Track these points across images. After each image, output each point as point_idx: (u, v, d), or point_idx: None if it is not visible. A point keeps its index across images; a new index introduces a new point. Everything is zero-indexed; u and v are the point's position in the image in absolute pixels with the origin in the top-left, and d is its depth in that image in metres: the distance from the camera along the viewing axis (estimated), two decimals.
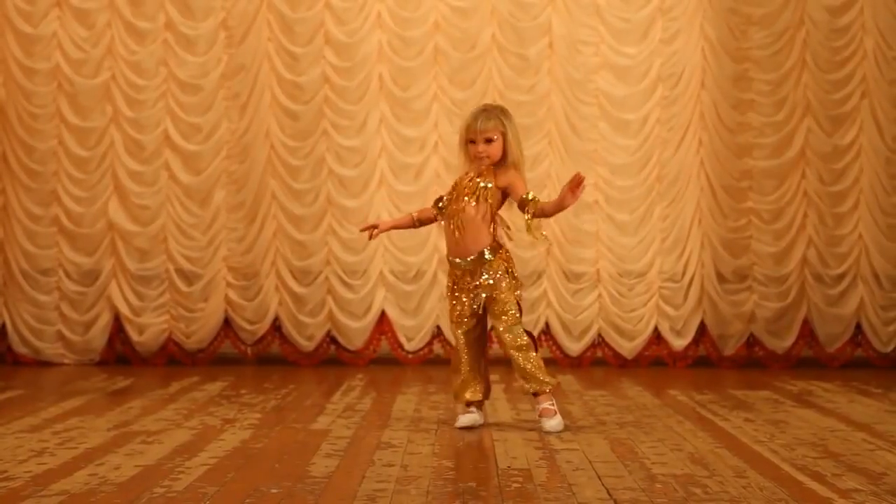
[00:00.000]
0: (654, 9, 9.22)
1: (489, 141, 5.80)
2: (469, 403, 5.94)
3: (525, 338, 5.82)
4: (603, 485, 4.41)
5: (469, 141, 5.83)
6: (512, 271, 5.85)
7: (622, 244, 9.23)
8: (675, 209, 9.24)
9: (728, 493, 4.27)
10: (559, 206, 5.71)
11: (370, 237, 6.05)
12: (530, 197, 5.74)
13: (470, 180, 5.84)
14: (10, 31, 9.16)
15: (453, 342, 6.00)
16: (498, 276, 5.82)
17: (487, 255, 5.81)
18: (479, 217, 5.81)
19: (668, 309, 9.21)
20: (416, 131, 9.22)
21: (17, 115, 9.16)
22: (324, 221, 9.22)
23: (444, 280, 9.16)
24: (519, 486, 4.40)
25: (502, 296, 5.81)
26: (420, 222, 6.04)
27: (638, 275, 9.24)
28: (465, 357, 5.92)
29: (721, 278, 9.25)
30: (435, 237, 9.16)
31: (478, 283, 5.83)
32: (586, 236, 9.22)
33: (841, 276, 9.25)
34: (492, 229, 5.84)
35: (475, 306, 5.84)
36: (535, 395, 5.83)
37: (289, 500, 4.12)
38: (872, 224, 9.22)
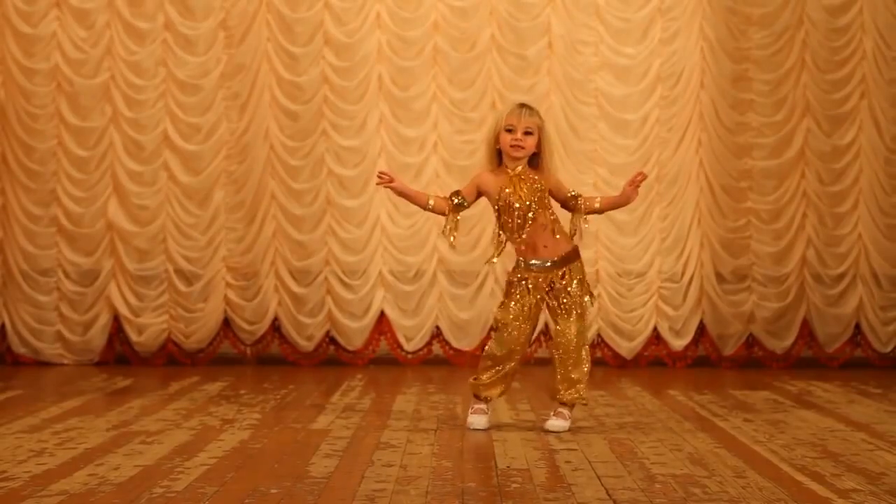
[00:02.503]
0: (653, 9, 9.22)
1: (528, 133, 5.77)
2: (488, 400, 5.91)
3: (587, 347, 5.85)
4: (602, 485, 4.41)
5: (507, 129, 5.75)
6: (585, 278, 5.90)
7: (621, 244, 9.23)
8: (675, 209, 9.24)
9: (727, 493, 4.27)
10: (620, 203, 5.84)
11: (379, 182, 5.86)
12: (576, 193, 5.81)
13: (530, 185, 5.76)
14: (9, 31, 9.16)
15: (504, 340, 5.80)
16: (578, 279, 5.81)
17: (575, 257, 5.83)
18: (549, 220, 5.80)
19: (668, 309, 9.21)
20: (416, 131, 9.22)
21: (17, 115, 9.16)
22: (323, 221, 9.22)
23: (443, 280, 9.20)
24: (518, 486, 4.40)
25: (579, 299, 5.80)
26: (432, 209, 5.88)
27: (637, 275, 9.25)
28: (516, 356, 5.85)
29: (720, 278, 9.25)
30: (434, 238, 9.16)
31: (561, 284, 5.78)
32: (586, 236, 9.11)
33: (840, 277, 9.25)
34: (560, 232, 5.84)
35: (554, 303, 5.78)
36: (565, 403, 5.81)
37: (288, 500, 4.12)
38: (872, 224, 9.23)
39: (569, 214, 5.90)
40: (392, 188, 5.87)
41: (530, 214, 5.76)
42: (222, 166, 9.21)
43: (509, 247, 5.93)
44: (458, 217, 5.85)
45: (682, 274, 9.24)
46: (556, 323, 5.83)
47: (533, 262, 5.80)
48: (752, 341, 9.28)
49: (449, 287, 9.20)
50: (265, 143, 9.20)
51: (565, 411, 5.80)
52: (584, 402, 5.84)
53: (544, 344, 9.06)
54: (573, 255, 5.85)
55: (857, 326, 9.28)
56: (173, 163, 9.21)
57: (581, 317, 5.81)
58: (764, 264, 9.24)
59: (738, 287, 9.25)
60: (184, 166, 9.21)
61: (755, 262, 9.24)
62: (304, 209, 9.21)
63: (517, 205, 5.75)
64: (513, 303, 5.81)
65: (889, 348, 9.26)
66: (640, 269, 9.25)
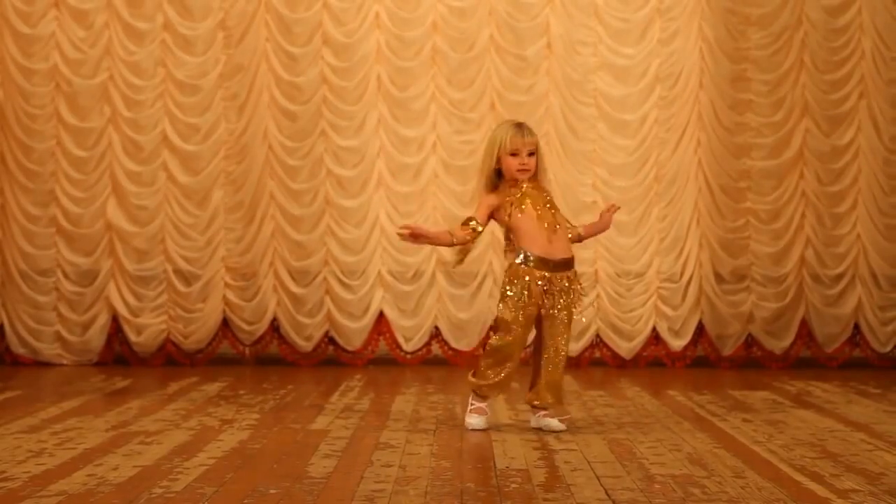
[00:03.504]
0: (652, 9, 9.22)
1: (531, 154, 5.80)
2: (487, 398, 5.91)
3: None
4: (601, 485, 4.41)
5: (512, 154, 5.77)
6: None
7: (620, 244, 9.23)
8: (674, 209, 9.24)
9: (726, 493, 4.27)
10: (600, 229, 6.06)
11: (402, 236, 5.79)
12: (570, 225, 5.95)
13: (544, 199, 5.82)
14: (8, 31, 9.16)
15: (511, 338, 5.79)
16: (577, 285, 5.84)
17: (574, 266, 5.86)
18: (564, 220, 5.88)
19: (667, 309, 9.21)
20: (415, 132, 9.22)
21: (15, 115, 9.15)
22: (322, 222, 9.22)
23: (442, 281, 9.20)
24: (517, 486, 4.40)
25: (573, 309, 5.83)
26: (457, 243, 5.82)
27: (636, 275, 9.24)
28: (517, 355, 5.86)
29: (719, 278, 9.25)
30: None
31: (566, 286, 5.80)
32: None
33: (839, 277, 9.25)
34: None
35: (559, 305, 5.79)
36: (546, 409, 5.83)
37: (287, 500, 4.13)
38: (870, 224, 9.23)
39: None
40: (418, 239, 5.82)
41: (552, 211, 5.82)
42: (221, 166, 9.21)
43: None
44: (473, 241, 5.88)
45: (681, 274, 9.24)
46: (549, 328, 5.83)
47: (549, 258, 5.79)
48: (751, 341, 9.28)
49: (448, 287, 9.20)
50: (264, 144, 9.19)
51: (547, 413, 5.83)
52: (567, 413, 5.92)
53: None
54: (573, 262, 5.88)
55: (856, 326, 9.28)
56: (172, 163, 9.20)
57: (569, 326, 5.85)
58: (763, 264, 9.24)
59: (736, 287, 9.25)
60: (183, 166, 9.21)
61: (754, 262, 9.24)
62: (303, 209, 9.21)
63: (538, 210, 5.79)
64: (517, 301, 5.79)
65: (888, 348, 9.26)
66: (639, 270, 9.25)
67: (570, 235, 5.91)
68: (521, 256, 5.79)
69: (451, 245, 5.86)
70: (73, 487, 4.32)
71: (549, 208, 5.83)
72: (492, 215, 5.86)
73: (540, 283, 5.76)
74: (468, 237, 5.80)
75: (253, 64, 9.17)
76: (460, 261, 5.92)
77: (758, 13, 9.16)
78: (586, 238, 6.06)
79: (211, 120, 9.19)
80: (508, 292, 5.79)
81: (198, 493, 4.25)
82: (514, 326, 5.77)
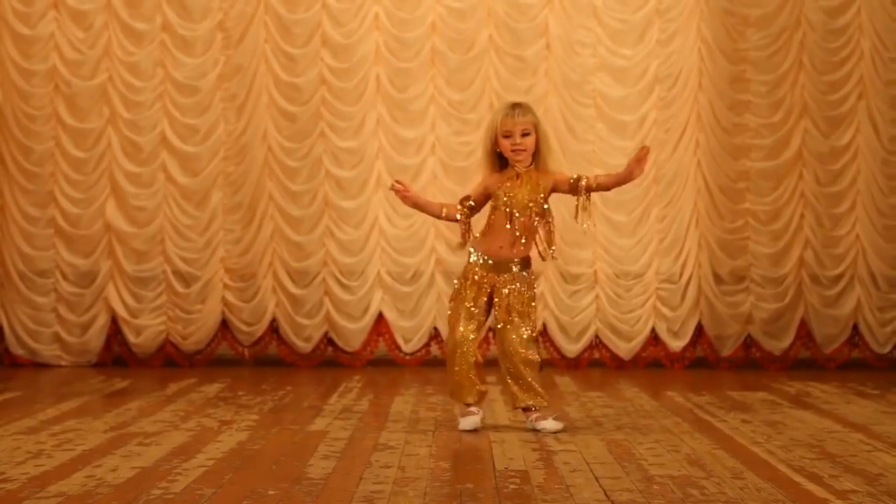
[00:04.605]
0: (651, 10, 9.22)
1: (526, 134, 5.77)
2: (469, 403, 5.92)
3: (537, 354, 5.85)
4: (600, 486, 4.41)
5: (504, 135, 5.76)
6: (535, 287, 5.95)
7: (619, 245, 9.23)
8: (673, 210, 9.24)
9: (725, 494, 4.27)
10: (623, 179, 5.73)
11: (394, 188, 5.85)
12: (577, 176, 5.77)
13: (532, 187, 5.78)
14: (6, 32, 9.16)
15: (455, 339, 5.84)
16: (530, 286, 5.84)
17: (528, 265, 5.86)
18: (534, 230, 5.82)
19: (666, 310, 9.21)
20: (414, 132, 9.22)
21: (14, 116, 9.15)
22: (321, 223, 9.22)
23: (441, 282, 9.20)
24: (516, 487, 4.40)
25: (529, 307, 5.82)
26: (445, 217, 5.91)
27: (635, 276, 9.25)
28: (472, 357, 5.86)
29: (718, 279, 9.25)
30: (432, 239, 9.17)
31: (512, 287, 5.81)
32: (583, 237, 9.21)
33: (838, 278, 9.25)
34: (534, 241, 5.87)
35: (496, 309, 5.81)
36: (527, 409, 5.84)
37: (286, 501, 4.12)
38: (869, 225, 9.23)
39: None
40: (408, 198, 5.87)
41: (516, 214, 5.77)
42: (220, 167, 9.21)
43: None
44: (471, 221, 5.88)
45: (680, 275, 9.24)
46: (504, 329, 5.83)
47: (499, 260, 5.81)
48: (749, 342, 9.28)
49: (447, 288, 9.18)
50: (263, 145, 9.19)
51: (538, 414, 5.83)
52: (546, 403, 5.89)
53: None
54: (528, 263, 5.88)
55: (855, 327, 9.29)
56: (171, 164, 9.20)
57: (528, 324, 5.82)
58: (762, 265, 9.24)
59: (735, 288, 9.25)
60: (182, 167, 9.21)
61: (753, 263, 9.24)
62: (302, 210, 9.21)
63: (517, 212, 5.77)
64: (463, 301, 5.83)
65: (887, 349, 9.27)
66: (638, 271, 9.25)
67: (584, 188, 5.74)
68: (474, 255, 5.84)
69: (439, 218, 5.94)
70: (72, 489, 4.32)
71: (532, 207, 5.78)
72: (489, 196, 5.87)
73: (485, 283, 5.81)
74: (458, 215, 5.84)
75: (252, 65, 9.17)
76: (461, 244, 5.92)
77: (756, 14, 9.16)
78: (611, 187, 5.84)
79: (210, 121, 9.19)
80: (455, 287, 5.90)
81: (196, 494, 4.24)
82: (455, 324, 5.81)
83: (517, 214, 5.77)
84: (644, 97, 9.23)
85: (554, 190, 5.84)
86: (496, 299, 5.83)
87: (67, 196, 9.18)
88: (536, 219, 5.80)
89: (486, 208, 5.91)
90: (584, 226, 5.80)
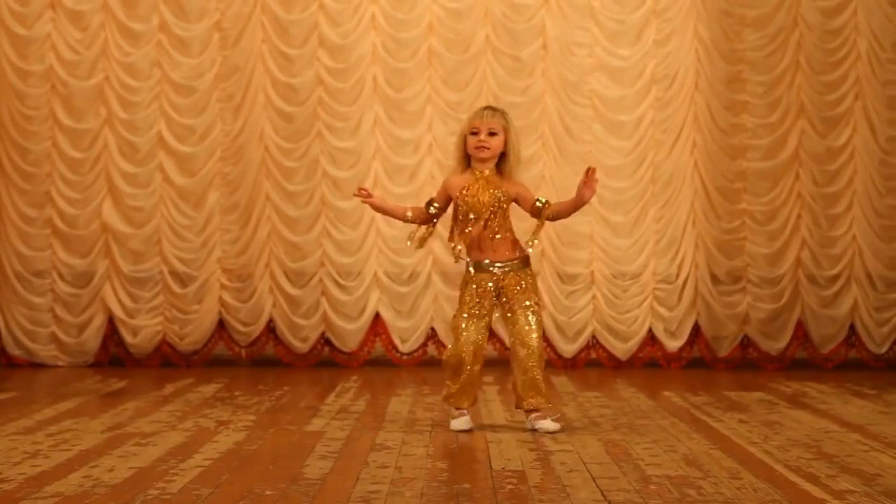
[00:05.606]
0: (647, 10, 9.23)
1: (492, 134, 5.78)
2: (462, 408, 5.94)
3: (543, 342, 5.87)
4: (597, 486, 4.41)
5: (472, 132, 5.78)
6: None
7: (616, 246, 9.24)
8: (669, 211, 9.25)
9: (722, 494, 4.28)
10: (577, 204, 5.74)
11: (357, 195, 5.90)
12: (544, 202, 5.78)
13: (492, 192, 5.77)
14: (3, 32, 9.15)
15: (458, 344, 5.84)
16: (531, 285, 5.84)
17: (527, 263, 5.86)
18: (507, 225, 5.82)
19: (662, 310, 9.22)
20: (410, 133, 9.22)
21: (11, 117, 9.15)
22: (318, 223, 9.22)
23: (438, 282, 9.20)
24: (513, 487, 4.40)
25: (536, 306, 5.82)
26: (412, 220, 5.95)
27: (632, 276, 9.25)
28: (478, 365, 5.86)
29: (715, 280, 9.26)
30: (429, 239, 9.14)
31: (513, 276, 5.81)
32: (580, 238, 9.22)
33: (835, 278, 9.26)
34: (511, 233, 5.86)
35: (504, 299, 5.81)
36: (530, 411, 5.84)
37: (283, 501, 4.12)
38: (866, 225, 9.23)
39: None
40: (370, 203, 5.94)
41: (472, 217, 5.77)
42: (217, 168, 9.21)
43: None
44: (434, 224, 5.94)
45: (677, 275, 9.25)
46: (512, 329, 5.84)
47: (491, 262, 5.82)
48: (746, 342, 9.28)
49: (444, 288, 9.19)
50: (260, 145, 9.19)
51: (539, 414, 5.83)
52: (550, 406, 5.92)
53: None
54: (527, 262, 5.87)
55: (852, 328, 9.29)
56: (168, 164, 9.20)
57: (537, 322, 5.81)
58: (758, 266, 9.25)
59: (732, 288, 9.26)
60: (178, 168, 9.21)
61: (750, 263, 9.25)
62: (299, 211, 9.21)
63: (473, 215, 5.78)
64: (474, 302, 5.83)
65: (883, 349, 9.27)
66: (635, 271, 9.25)
67: (546, 216, 5.77)
68: (466, 265, 5.87)
69: (405, 221, 5.97)
70: (69, 489, 4.32)
71: (493, 209, 5.76)
72: (450, 197, 5.89)
73: (490, 286, 5.80)
74: (422, 217, 5.90)
75: (249, 65, 9.17)
76: (419, 246, 5.95)
77: (753, 14, 9.17)
78: (569, 214, 5.83)
79: (207, 121, 9.19)
80: (460, 298, 5.89)
81: (193, 494, 4.24)
82: (461, 333, 5.80)
83: (472, 216, 5.78)
84: (641, 97, 9.23)
85: (515, 201, 5.84)
86: (503, 298, 5.82)
87: (64, 196, 9.18)
88: (499, 219, 5.79)
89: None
90: (531, 244, 5.80)
